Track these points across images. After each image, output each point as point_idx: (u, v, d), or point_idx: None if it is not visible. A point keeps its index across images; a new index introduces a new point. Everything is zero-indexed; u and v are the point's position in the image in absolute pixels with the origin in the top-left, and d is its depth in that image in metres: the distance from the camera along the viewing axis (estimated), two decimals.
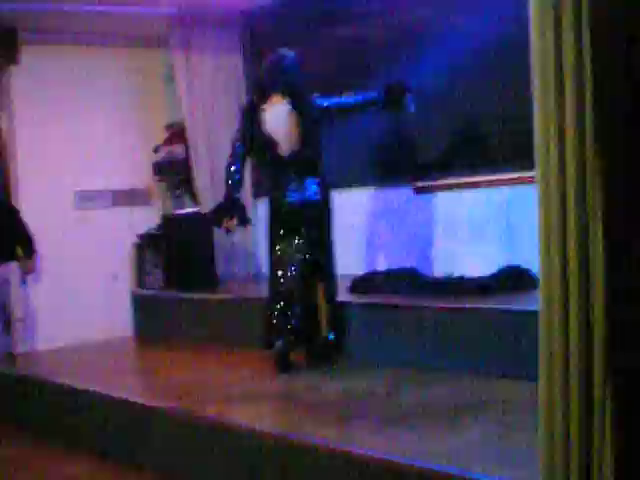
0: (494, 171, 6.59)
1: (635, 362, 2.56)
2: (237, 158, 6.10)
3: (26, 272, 7.74)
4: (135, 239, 8.66)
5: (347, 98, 6.13)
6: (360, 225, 7.59)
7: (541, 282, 3.05)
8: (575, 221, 2.87)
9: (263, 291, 6.83)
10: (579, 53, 2.77)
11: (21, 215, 7.79)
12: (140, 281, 8.63)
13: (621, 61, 2.35)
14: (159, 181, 9.02)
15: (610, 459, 2.76)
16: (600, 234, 2.73)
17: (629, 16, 2.44)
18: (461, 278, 6.42)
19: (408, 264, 6.97)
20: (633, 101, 2.35)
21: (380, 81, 7.12)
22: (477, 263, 6.60)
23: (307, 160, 5.98)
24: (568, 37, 2.80)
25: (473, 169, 6.77)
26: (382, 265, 7.11)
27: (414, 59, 7.01)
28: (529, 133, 3.10)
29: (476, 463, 3.73)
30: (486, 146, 6.69)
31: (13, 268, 7.83)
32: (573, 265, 2.88)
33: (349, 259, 7.58)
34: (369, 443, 4.17)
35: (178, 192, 9.06)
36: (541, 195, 3.01)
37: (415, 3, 7.13)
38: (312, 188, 5.95)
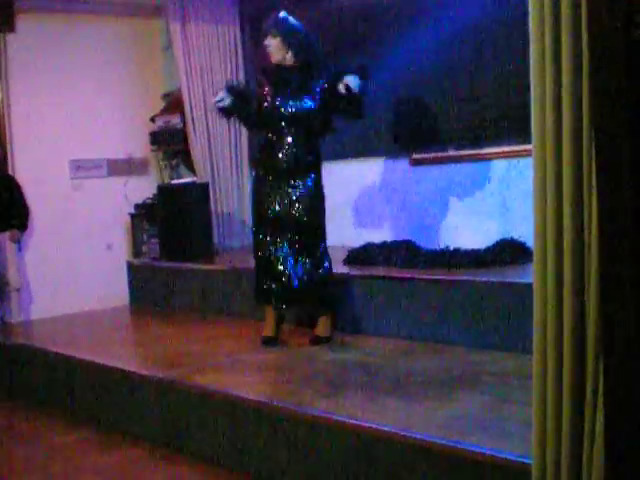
0: (491, 144, 6.57)
1: (629, 334, 2.56)
2: None
3: (12, 241, 7.80)
4: (131, 209, 8.63)
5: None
6: (356, 197, 7.58)
7: (535, 255, 3.04)
8: (570, 194, 2.86)
9: None
10: (576, 24, 2.76)
11: (21, 187, 7.80)
12: (136, 251, 8.62)
13: (618, 32, 2.34)
14: (156, 151, 8.98)
15: (601, 432, 2.77)
16: (595, 208, 2.73)
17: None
18: (457, 251, 6.42)
19: (404, 236, 6.97)
20: (630, 71, 2.34)
21: (380, 55, 7.15)
22: (473, 236, 6.60)
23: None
24: (566, 9, 2.79)
25: (470, 142, 6.75)
26: (378, 237, 7.10)
27: (412, 33, 6.99)
28: (527, 106, 3.08)
29: (469, 435, 3.75)
30: (483, 119, 6.65)
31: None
32: (568, 237, 2.88)
33: (345, 231, 7.59)
34: (362, 414, 4.18)
35: (175, 162, 9.04)
36: (537, 168, 3.00)
37: None
38: None
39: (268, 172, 5.84)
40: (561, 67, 2.82)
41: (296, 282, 5.74)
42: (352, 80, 5.54)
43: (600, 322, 2.71)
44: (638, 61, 2.34)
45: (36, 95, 8.20)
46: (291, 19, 5.84)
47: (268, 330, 5.93)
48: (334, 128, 5.96)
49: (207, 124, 8.55)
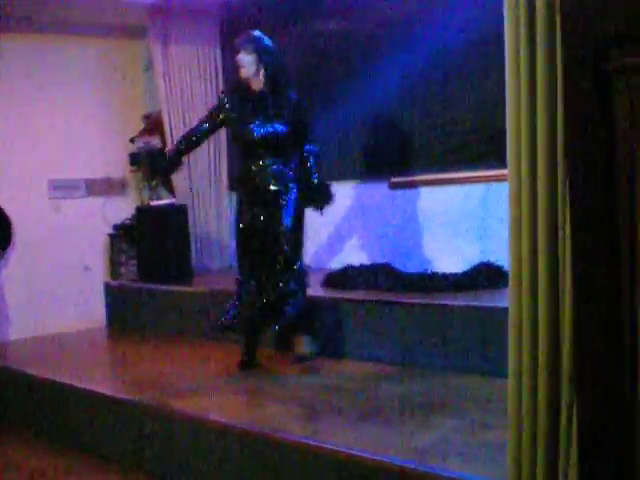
0: (469, 168, 6.60)
1: (602, 360, 2.57)
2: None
3: None
4: (109, 229, 8.60)
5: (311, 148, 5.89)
6: (335, 219, 7.58)
7: (510, 279, 3.06)
8: (545, 219, 2.87)
9: None
10: (551, 54, 2.78)
11: (1, 206, 7.76)
12: (114, 272, 8.59)
13: (592, 64, 2.36)
14: (135, 171, 8.96)
15: (575, 458, 2.77)
16: (569, 233, 2.74)
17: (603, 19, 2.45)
18: (435, 274, 6.42)
19: (383, 259, 6.97)
20: (602, 101, 2.36)
21: (358, 78, 7.19)
22: (451, 259, 6.61)
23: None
24: (541, 38, 2.81)
25: (449, 165, 6.77)
26: (357, 260, 7.11)
27: (391, 55, 7.03)
28: (504, 131, 3.10)
29: (447, 460, 3.74)
30: (462, 143, 6.69)
31: None
32: (542, 263, 2.89)
33: (324, 253, 7.59)
34: (340, 438, 4.17)
35: (154, 183, 9.02)
36: (512, 192, 3.01)
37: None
38: None
39: (248, 195, 5.82)
40: (536, 95, 2.85)
41: (258, 304, 5.75)
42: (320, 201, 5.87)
43: (575, 348, 2.71)
44: (609, 91, 2.37)
45: (15, 113, 8.18)
46: (265, 38, 5.81)
47: (243, 354, 5.92)
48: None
49: None
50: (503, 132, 3.15)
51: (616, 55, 2.25)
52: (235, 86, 5.99)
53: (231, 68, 8.40)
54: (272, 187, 5.70)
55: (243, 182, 5.87)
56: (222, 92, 6.43)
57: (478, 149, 6.53)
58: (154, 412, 5.09)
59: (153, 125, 8.79)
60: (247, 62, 5.72)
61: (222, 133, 8.57)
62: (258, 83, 5.76)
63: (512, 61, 2.94)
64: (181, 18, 8.50)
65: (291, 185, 5.76)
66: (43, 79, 8.37)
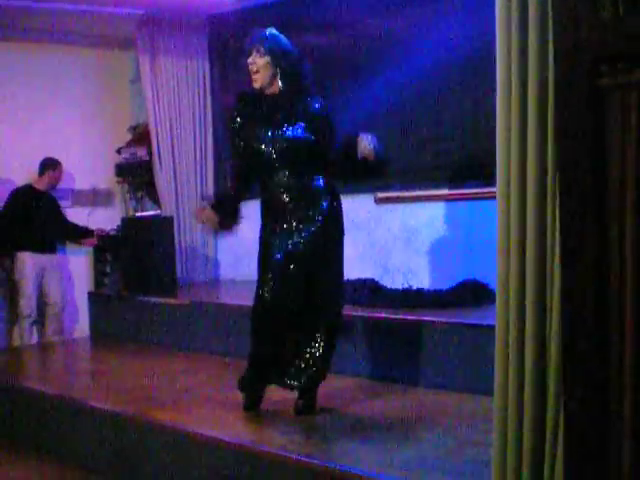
0: (457, 185, 6.62)
1: (589, 378, 2.57)
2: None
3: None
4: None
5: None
6: None
7: (497, 297, 3.06)
8: (534, 236, 2.88)
9: (220, 296, 6.81)
10: (543, 71, 2.80)
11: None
12: (98, 282, 8.56)
13: (585, 80, 2.38)
14: (121, 182, 8.95)
15: (561, 475, 2.77)
16: (558, 252, 2.75)
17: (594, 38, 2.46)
18: (420, 291, 6.43)
19: (367, 275, 6.97)
20: (593, 117, 2.38)
21: (345, 93, 7.19)
22: (436, 276, 6.62)
23: None
24: (533, 56, 2.83)
25: (436, 182, 6.79)
26: None
27: (378, 71, 7.05)
28: (493, 148, 3.12)
29: (429, 476, 3.73)
30: (450, 160, 6.71)
31: None
32: (530, 280, 2.90)
33: None
34: (323, 454, 4.15)
35: (140, 194, 9.01)
36: (500, 210, 3.02)
37: (382, 16, 7.16)
38: None
39: (272, 218, 4.80)
40: (527, 112, 2.86)
41: None
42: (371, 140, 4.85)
43: (562, 365, 2.72)
44: (601, 108, 2.38)
45: (1, 122, 8.16)
46: (282, 37, 4.80)
47: None
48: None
49: (173, 157, 8.54)
50: (490, 150, 3.17)
51: (609, 72, 2.27)
52: (244, 93, 4.95)
53: (219, 79, 8.54)
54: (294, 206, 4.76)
55: (264, 206, 4.90)
56: (234, 113, 4.91)
57: (466, 166, 6.55)
58: (135, 423, 5.06)
59: (140, 136, 8.78)
60: (260, 66, 4.70)
61: (209, 138, 8.61)
62: (273, 90, 4.77)
63: (503, 78, 2.95)
64: (169, 30, 8.52)
65: (323, 198, 4.88)
66: (30, 89, 8.37)
